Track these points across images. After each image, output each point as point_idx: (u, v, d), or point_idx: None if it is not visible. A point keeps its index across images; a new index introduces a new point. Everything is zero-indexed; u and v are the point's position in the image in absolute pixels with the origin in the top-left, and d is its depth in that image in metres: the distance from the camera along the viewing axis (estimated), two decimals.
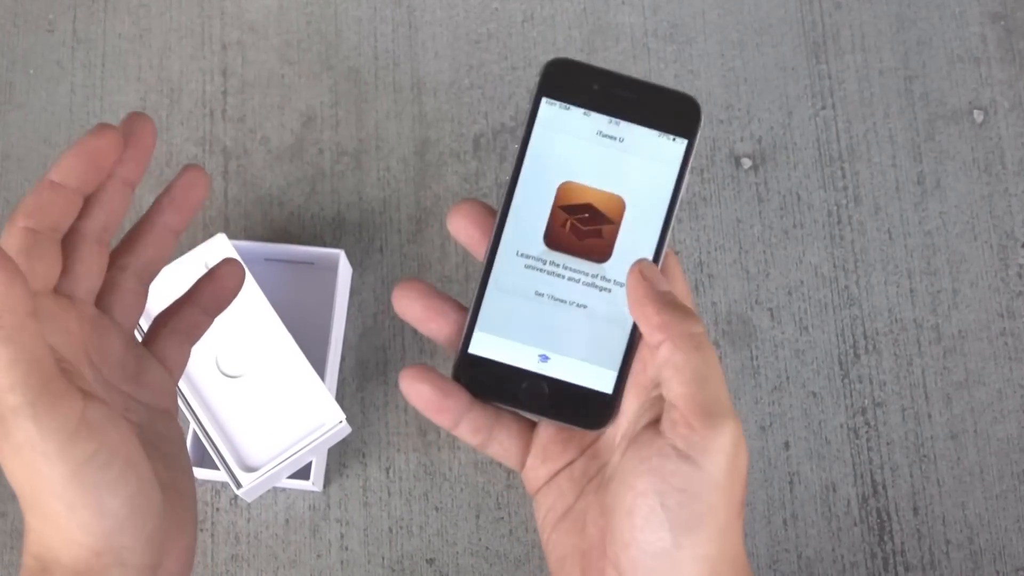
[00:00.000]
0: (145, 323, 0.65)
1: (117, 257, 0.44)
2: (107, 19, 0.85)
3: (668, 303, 0.40)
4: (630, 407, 0.43)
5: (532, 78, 0.84)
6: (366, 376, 0.78)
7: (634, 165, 0.42)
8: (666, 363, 0.39)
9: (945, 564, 0.75)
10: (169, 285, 0.71)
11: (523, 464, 0.45)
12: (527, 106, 0.41)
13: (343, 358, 0.78)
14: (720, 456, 0.39)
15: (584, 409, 0.42)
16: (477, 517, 0.76)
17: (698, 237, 0.80)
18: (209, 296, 0.48)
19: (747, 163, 0.82)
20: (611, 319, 0.42)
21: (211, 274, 0.48)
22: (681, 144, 0.41)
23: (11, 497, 0.76)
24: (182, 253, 0.73)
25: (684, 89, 0.42)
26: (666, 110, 0.41)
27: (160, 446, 0.42)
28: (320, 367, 0.73)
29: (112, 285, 0.44)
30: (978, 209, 0.81)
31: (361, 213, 0.81)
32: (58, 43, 0.85)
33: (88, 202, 0.42)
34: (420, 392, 0.42)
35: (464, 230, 0.45)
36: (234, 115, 0.83)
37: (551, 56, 0.84)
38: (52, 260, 0.40)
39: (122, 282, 0.44)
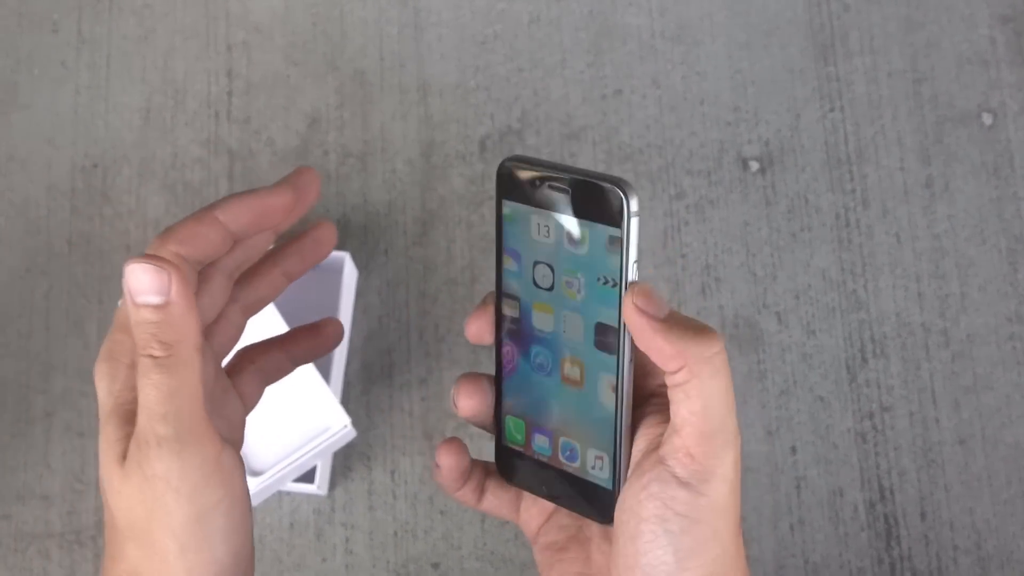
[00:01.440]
0: None
1: (232, 290, 0.44)
2: (112, 20, 0.85)
3: (676, 327, 0.38)
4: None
5: (538, 79, 0.83)
6: (371, 379, 0.78)
7: (583, 253, 0.41)
8: (678, 386, 0.38)
9: (952, 569, 0.74)
10: None
11: (517, 509, 0.45)
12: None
13: (348, 361, 0.78)
14: (721, 484, 0.38)
15: (599, 503, 0.42)
16: (482, 521, 0.75)
17: (705, 240, 0.80)
18: (304, 348, 0.47)
19: (755, 166, 0.82)
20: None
21: (315, 328, 0.47)
22: (615, 231, 0.40)
23: (15, 499, 0.76)
24: None
25: (613, 172, 0.41)
26: (595, 199, 0.40)
27: (234, 481, 0.42)
28: (325, 371, 0.73)
29: (220, 316, 0.43)
30: (987, 212, 0.81)
31: (366, 215, 0.81)
32: (63, 43, 0.84)
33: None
34: (449, 468, 0.44)
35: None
36: (239, 116, 0.83)
37: (558, 57, 0.83)
38: (219, 298, 0.41)
39: (230, 315, 0.44)
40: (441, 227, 0.80)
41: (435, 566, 0.75)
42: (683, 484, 0.38)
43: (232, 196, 0.40)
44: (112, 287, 0.80)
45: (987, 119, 0.82)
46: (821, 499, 0.75)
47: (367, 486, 0.76)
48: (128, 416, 0.38)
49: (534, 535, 0.45)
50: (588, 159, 0.81)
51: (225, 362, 0.44)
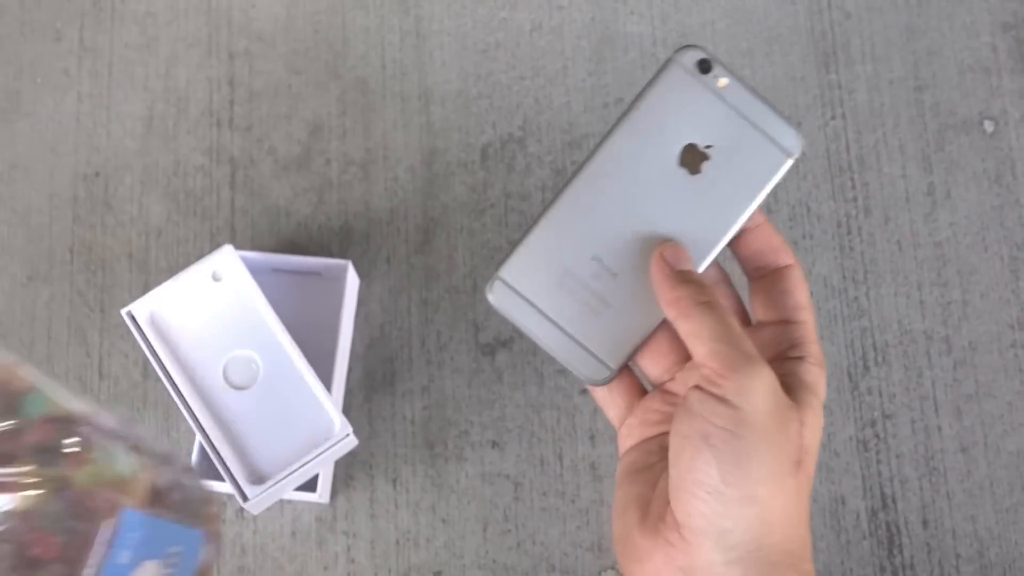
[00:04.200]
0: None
1: None
2: (114, 28, 0.85)
3: (682, 280, 0.43)
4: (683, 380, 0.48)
5: (540, 87, 0.83)
6: (373, 387, 0.78)
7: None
8: (686, 334, 0.43)
9: None
10: (176, 296, 0.71)
11: (622, 421, 0.48)
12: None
13: (350, 369, 0.78)
14: (756, 397, 0.41)
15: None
16: (484, 529, 0.75)
17: None
18: None
19: None
20: None
21: None
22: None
23: None
24: (188, 264, 0.73)
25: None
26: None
27: None
28: (327, 378, 0.73)
29: None
30: (988, 220, 0.81)
31: (368, 223, 0.81)
32: (65, 52, 0.85)
33: None
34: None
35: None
36: (241, 125, 0.83)
37: (560, 65, 0.83)
38: None
39: None
40: (443, 235, 0.80)
41: (437, 574, 0.74)
42: (720, 400, 0.41)
43: None
44: (114, 295, 0.80)
45: (988, 127, 0.82)
46: (823, 507, 0.75)
47: (369, 494, 0.76)
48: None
49: (623, 452, 0.48)
50: None
51: None
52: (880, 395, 0.77)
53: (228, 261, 0.73)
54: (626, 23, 0.85)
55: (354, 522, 0.75)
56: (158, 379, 0.78)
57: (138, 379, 0.78)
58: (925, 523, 0.75)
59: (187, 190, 0.82)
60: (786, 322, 0.46)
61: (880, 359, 0.78)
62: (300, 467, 0.69)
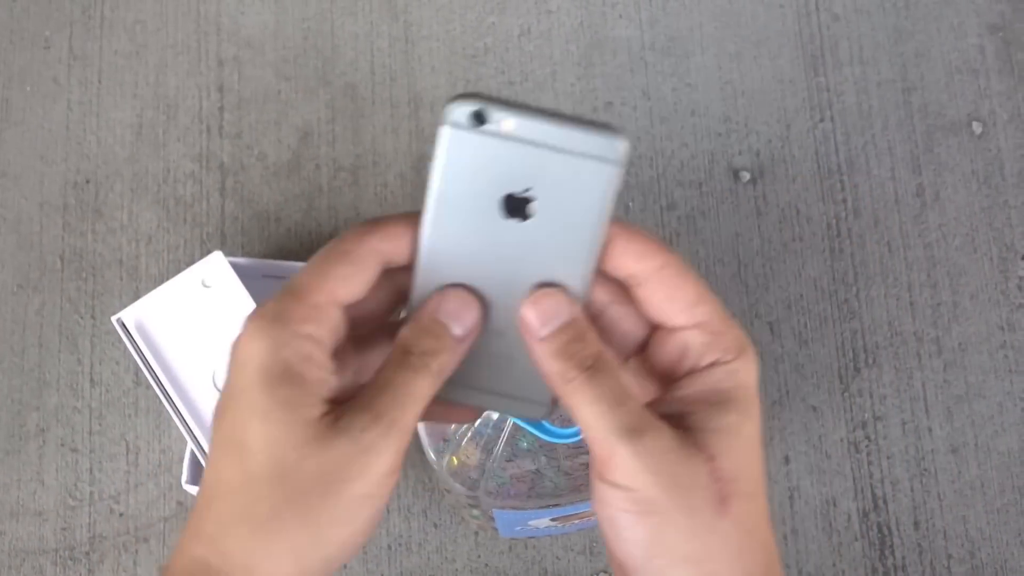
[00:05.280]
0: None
1: None
2: (103, 36, 0.85)
3: (551, 355, 0.40)
4: None
5: (529, 92, 0.83)
6: None
7: None
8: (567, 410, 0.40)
9: None
10: (166, 303, 0.71)
11: None
12: None
13: None
14: (644, 474, 0.38)
15: None
16: (476, 534, 0.75)
17: (696, 251, 0.80)
18: None
19: (745, 176, 0.82)
20: None
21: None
22: None
23: (9, 515, 0.76)
24: (179, 271, 0.73)
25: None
26: None
27: None
28: None
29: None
30: (977, 221, 0.81)
31: None
32: (54, 60, 0.85)
33: None
34: None
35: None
36: (231, 131, 0.83)
37: (549, 70, 0.83)
38: None
39: None
40: None
41: None
42: (612, 485, 0.39)
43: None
44: (105, 302, 0.80)
45: (977, 128, 0.82)
46: (814, 509, 0.75)
47: None
48: (297, 379, 0.38)
49: None
50: None
51: None
52: (871, 396, 0.78)
53: (218, 268, 0.73)
54: (614, 27, 0.85)
55: None
56: (149, 386, 0.78)
57: (129, 386, 0.78)
58: (916, 524, 0.75)
59: (177, 197, 0.82)
60: (683, 328, 0.41)
61: (871, 361, 0.78)
62: None
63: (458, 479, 0.58)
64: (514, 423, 0.59)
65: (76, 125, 0.83)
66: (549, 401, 0.42)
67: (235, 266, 0.74)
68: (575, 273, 0.40)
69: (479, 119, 0.40)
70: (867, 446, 0.77)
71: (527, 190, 0.40)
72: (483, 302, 0.41)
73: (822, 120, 0.83)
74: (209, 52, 0.85)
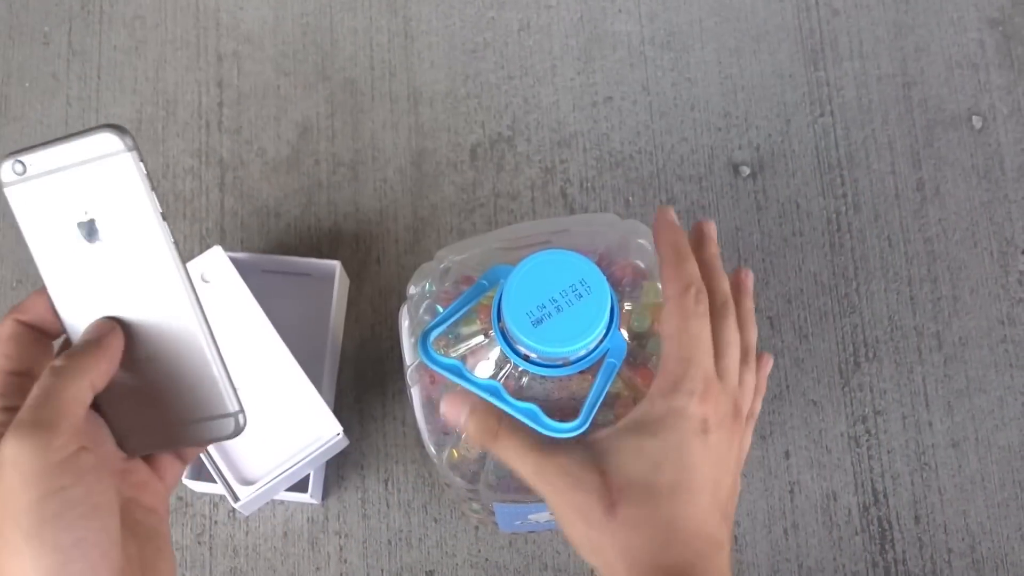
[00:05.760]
0: None
1: None
2: (102, 31, 0.85)
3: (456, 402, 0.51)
4: None
5: (529, 87, 0.83)
6: (364, 388, 0.78)
7: None
8: None
9: (947, 573, 0.74)
10: None
11: None
12: None
13: (340, 370, 0.78)
14: (545, 486, 0.49)
15: None
16: (476, 528, 0.75)
17: None
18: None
19: (745, 171, 0.82)
20: None
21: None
22: None
23: None
24: None
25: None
26: None
27: (138, 528, 0.43)
28: (317, 379, 0.73)
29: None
30: (978, 216, 0.81)
31: (358, 224, 0.81)
32: (53, 55, 0.85)
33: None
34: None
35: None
36: (230, 126, 0.83)
37: (548, 64, 0.83)
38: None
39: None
40: (433, 235, 0.80)
41: (429, 574, 0.74)
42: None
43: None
44: None
45: (977, 122, 0.82)
46: (815, 503, 0.75)
47: (361, 495, 0.76)
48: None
49: None
50: (579, 165, 0.81)
51: None
52: (871, 391, 0.78)
53: (218, 263, 0.73)
54: (614, 22, 0.85)
55: (346, 522, 0.75)
56: None
57: None
58: (917, 518, 0.75)
59: (176, 192, 0.82)
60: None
61: (871, 355, 0.78)
62: (291, 467, 0.69)
63: (458, 472, 0.58)
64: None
65: (75, 121, 0.83)
66: (237, 411, 0.44)
67: (235, 261, 0.74)
68: (171, 279, 0.44)
69: (23, 169, 0.42)
70: (867, 440, 0.77)
71: (86, 212, 0.42)
72: (127, 328, 0.43)
73: (822, 115, 0.83)
74: (208, 47, 0.85)
